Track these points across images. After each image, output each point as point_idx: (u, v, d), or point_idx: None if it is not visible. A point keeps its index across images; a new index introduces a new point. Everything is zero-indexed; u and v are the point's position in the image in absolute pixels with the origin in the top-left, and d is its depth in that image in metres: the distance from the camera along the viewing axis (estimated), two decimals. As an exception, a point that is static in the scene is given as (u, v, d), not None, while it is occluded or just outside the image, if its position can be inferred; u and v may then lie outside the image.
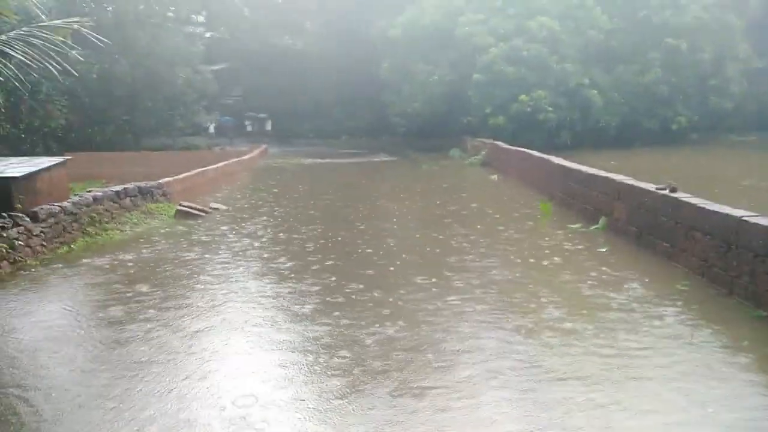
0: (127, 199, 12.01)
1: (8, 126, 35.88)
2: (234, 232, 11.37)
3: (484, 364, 5.18)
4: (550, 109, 29.13)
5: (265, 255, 9.54)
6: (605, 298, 6.97)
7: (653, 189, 9.02)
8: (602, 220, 10.71)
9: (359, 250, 9.78)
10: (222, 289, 7.58)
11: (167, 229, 11.59)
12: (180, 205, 13.19)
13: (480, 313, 6.52)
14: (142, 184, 12.81)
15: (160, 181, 13.81)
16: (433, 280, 7.84)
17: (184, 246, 10.21)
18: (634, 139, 32.73)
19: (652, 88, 31.94)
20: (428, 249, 9.76)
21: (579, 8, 30.63)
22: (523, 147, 22.46)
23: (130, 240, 10.66)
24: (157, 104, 38.83)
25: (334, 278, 8.06)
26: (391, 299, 7.06)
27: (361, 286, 7.63)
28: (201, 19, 59.96)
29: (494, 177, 19.72)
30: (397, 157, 31.11)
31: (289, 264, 8.93)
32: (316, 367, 5.17)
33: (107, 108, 37.50)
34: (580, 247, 9.62)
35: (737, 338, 5.57)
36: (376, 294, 7.31)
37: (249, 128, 50.79)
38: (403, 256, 9.36)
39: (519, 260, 8.94)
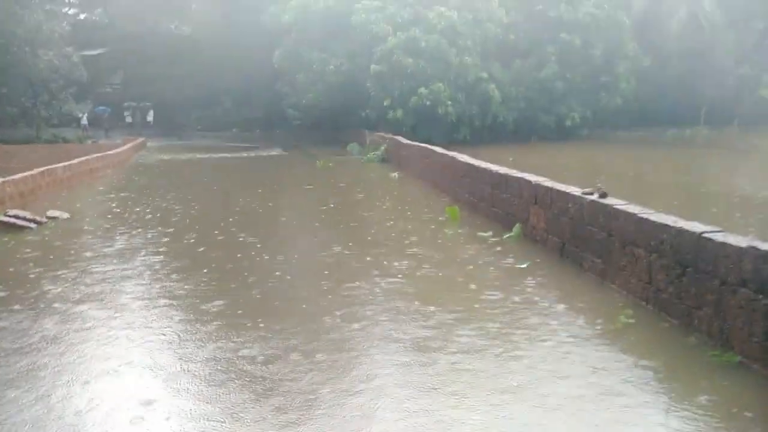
0: None
1: None
2: (63, 255, 8.87)
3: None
4: (450, 103, 28.22)
5: (100, 286, 7.25)
6: (532, 337, 5.46)
7: (578, 193, 7.69)
8: (516, 228, 9.35)
9: (233, 276, 7.74)
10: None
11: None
12: (4, 214, 10.42)
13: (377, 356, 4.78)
14: (-53, 188, 9.94)
15: (-23, 184, 10.92)
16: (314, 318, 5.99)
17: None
18: (530, 134, 32.65)
19: (548, 83, 31.94)
20: (313, 267, 7.90)
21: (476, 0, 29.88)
22: (422, 142, 21.21)
23: None
24: (15, 91, 34.03)
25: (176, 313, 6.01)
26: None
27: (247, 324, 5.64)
28: (73, -1, 54.13)
29: (394, 175, 18.20)
30: (291, 152, 28.94)
31: (131, 299, 6.73)
32: None
33: (-47, 94, 32.36)
34: (494, 261, 8.15)
35: (727, 403, 4.18)
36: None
37: (129, 119, 46.32)
38: (275, 277, 7.44)
39: (420, 275, 7.38)
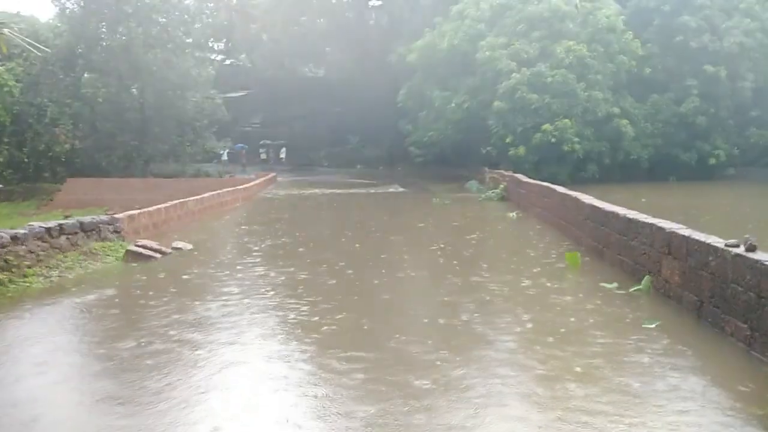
0: (63, 237, 9.98)
1: (12, 150, 34.90)
2: (182, 284, 9.21)
3: None
4: (576, 139, 26.85)
5: (217, 322, 7.34)
6: (662, 414, 4.61)
7: (721, 245, 6.65)
8: (646, 280, 8.33)
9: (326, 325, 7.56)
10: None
11: (104, 276, 9.51)
12: (134, 244, 11.15)
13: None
14: (87, 219, 10.80)
15: (116, 215, 11.81)
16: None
17: (108, 304, 8.08)
18: (668, 173, 30.22)
19: (689, 118, 29.54)
20: (399, 333, 7.47)
21: (609, 32, 28.45)
22: (546, 180, 20.33)
23: (51, 291, 8.59)
24: (166, 129, 37.51)
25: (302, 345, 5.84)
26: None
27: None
28: (221, 45, 59.64)
29: (513, 215, 17.40)
30: (410, 188, 29.01)
31: (241, 351, 6.72)
32: None
33: (116, 133, 36.23)
34: (618, 318, 7.24)
35: None
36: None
37: (263, 155, 49.53)
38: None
39: (534, 333, 6.65)
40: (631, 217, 9.42)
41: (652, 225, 8.48)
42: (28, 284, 8.65)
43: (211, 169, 40.32)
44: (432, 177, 32.51)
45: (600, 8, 29.22)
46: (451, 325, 7.09)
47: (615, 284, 8.65)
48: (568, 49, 27.38)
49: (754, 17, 30.25)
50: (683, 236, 7.51)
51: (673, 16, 29.75)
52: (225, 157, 43.48)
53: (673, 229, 7.88)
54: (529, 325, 7.06)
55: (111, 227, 11.30)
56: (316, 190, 28.15)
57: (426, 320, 7.33)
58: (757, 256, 6.05)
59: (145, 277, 9.45)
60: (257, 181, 28.34)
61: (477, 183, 26.98)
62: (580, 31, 28.46)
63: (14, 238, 8.89)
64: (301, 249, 12.31)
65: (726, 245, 6.57)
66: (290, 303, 8.03)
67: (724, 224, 14.38)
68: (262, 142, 49.66)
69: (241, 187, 23.21)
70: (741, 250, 6.33)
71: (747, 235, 6.43)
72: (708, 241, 6.97)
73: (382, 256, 11.56)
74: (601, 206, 11.05)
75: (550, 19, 28.54)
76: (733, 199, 22.81)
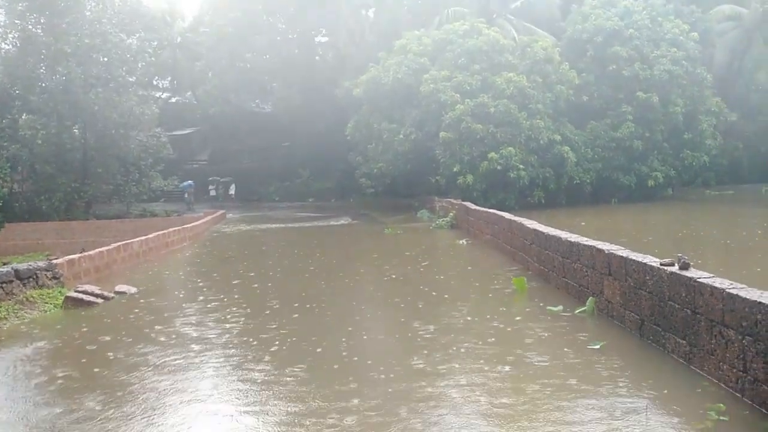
0: (-3, 286, 9.53)
1: (-56, 197, 33.22)
2: (120, 332, 8.89)
3: None
4: (522, 166, 27.57)
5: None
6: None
7: (656, 264, 6.90)
8: (590, 302, 8.55)
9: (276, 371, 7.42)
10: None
11: (40, 326, 9.08)
12: (74, 290, 10.71)
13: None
14: (23, 266, 10.34)
15: (54, 260, 11.36)
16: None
17: (41, 357, 7.71)
18: (611, 195, 31.37)
19: (626, 143, 30.80)
20: (349, 355, 7.42)
21: (546, 63, 29.60)
22: (495, 207, 20.81)
23: (-18, 344, 8.14)
24: (109, 170, 36.54)
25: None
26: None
27: None
28: (165, 83, 58.95)
29: (463, 242, 17.63)
30: (361, 220, 29.07)
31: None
32: None
33: (56, 175, 35.02)
34: (563, 341, 7.38)
35: None
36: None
37: (212, 192, 48.74)
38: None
39: (480, 361, 6.69)
40: (572, 240, 9.68)
41: (592, 247, 8.75)
42: (-43, 339, 8.18)
43: (158, 208, 39.38)
44: (384, 207, 32.71)
45: (536, 41, 30.45)
46: (404, 345, 7.08)
47: (560, 307, 8.84)
48: (509, 81, 28.28)
49: (680, 47, 32.03)
50: (621, 257, 7.76)
51: (606, 47, 31.21)
52: (186, 196, 42.36)
53: (612, 251, 8.15)
54: (472, 344, 7.13)
55: (49, 273, 10.84)
56: (266, 225, 27.84)
57: (378, 347, 7.29)
58: (690, 273, 6.31)
59: (84, 326, 9.06)
60: (205, 219, 27.81)
61: (428, 212, 27.28)
62: (519, 63, 29.51)
63: (-58, 290, 8.41)
64: (245, 289, 12.06)
65: (661, 264, 6.82)
66: (235, 343, 7.85)
67: (665, 243, 14.94)
68: (210, 179, 48.96)
69: (188, 225, 22.72)
70: (675, 268, 6.58)
71: (680, 254, 6.69)
72: (645, 260, 7.23)
73: (336, 291, 11.46)
74: (544, 230, 11.33)
75: (489, 52, 29.49)
76: (673, 218, 23.75)
